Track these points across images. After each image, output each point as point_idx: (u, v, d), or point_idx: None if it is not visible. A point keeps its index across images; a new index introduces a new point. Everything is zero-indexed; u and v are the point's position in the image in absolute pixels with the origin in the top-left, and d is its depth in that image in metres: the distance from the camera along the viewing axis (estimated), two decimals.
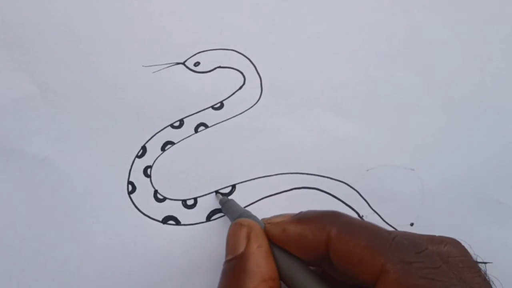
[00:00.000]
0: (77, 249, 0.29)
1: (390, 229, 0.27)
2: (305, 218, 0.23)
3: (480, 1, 0.33)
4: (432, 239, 0.23)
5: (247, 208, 0.30)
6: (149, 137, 0.31)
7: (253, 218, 0.26)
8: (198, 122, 0.31)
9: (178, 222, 0.30)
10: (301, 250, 0.23)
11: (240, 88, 0.32)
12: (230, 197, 0.30)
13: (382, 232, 0.21)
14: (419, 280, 0.19)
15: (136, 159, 0.31)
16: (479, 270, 0.21)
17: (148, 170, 0.31)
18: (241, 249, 0.23)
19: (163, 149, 0.31)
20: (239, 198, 0.30)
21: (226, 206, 0.29)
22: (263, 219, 0.25)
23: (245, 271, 0.22)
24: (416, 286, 0.19)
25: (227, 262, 0.24)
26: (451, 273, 0.19)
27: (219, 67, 0.32)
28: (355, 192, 0.31)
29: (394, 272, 0.19)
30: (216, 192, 0.30)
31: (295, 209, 0.26)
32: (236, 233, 0.24)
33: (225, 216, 0.30)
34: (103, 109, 0.31)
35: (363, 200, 0.31)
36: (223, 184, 0.31)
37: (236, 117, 0.31)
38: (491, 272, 0.22)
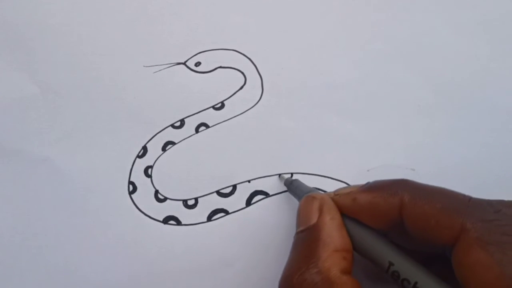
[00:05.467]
0: (78, 249, 0.29)
1: None
2: (375, 187, 0.23)
3: (480, 1, 0.33)
4: (492, 203, 0.22)
5: (247, 209, 0.30)
6: (150, 137, 0.31)
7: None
8: (199, 122, 0.31)
9: (179, 222, 0.30)
10: (373, 218, 0.23)
11: (241, 88, 0.32)
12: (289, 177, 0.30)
13: (456, 194, 0.21)
14: (501, 237, 0.19)
15: (137, 159, 0.31)
16: None
17: (149, 170, 0.31)
18: (314, 220, 0.23)
19: (164, 149, 0.31)
20: (240, 198, 0.30)
21: (292, 186, 0.28)
22: (327, 193, 0.25)
23: (318, 241, 0.22)
24: (498, 243, 0.18)
25: (298, 233, 0.24)
26: None
27: (220, 67, 0.32)
28: None
29: (475, 231, 0.19)
30: (279, 175, 0.30)
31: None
32: (309, 205, 0.24)
33: (226, 216, 0.30)
34: (104, 109, 0.31)
35: None
36: (224, 184, 0.31)
37: (237, 117, 0.31)
38: None
